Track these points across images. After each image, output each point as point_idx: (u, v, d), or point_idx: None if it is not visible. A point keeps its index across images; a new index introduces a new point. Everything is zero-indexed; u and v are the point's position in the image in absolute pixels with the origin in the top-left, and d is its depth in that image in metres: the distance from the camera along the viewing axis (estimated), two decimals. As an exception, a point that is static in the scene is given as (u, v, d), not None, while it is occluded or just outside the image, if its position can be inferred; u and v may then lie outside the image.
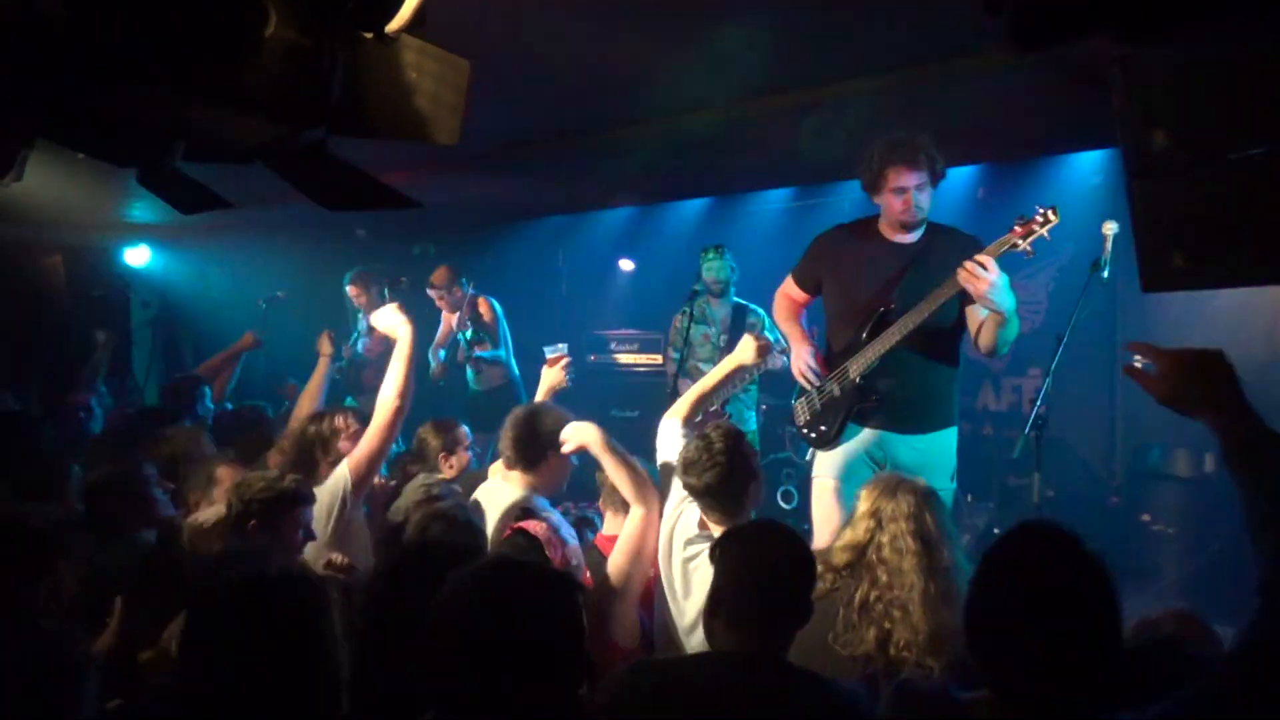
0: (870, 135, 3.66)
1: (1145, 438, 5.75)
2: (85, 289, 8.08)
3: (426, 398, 7.07)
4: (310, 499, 3.04)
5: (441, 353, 6.99)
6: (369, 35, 1.49)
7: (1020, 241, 3.33)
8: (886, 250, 3.70)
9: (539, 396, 4.03)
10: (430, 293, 6.92)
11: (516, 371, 6.92)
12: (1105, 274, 3.48)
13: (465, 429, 4.18)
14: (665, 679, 1.99)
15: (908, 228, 3.65)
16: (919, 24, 3.17)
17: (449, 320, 6.99)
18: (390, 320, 3.60)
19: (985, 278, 3.21)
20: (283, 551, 2.82)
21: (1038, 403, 3.57)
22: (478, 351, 6.55)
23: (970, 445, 6.24)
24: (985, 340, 3.50)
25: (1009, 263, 3.38)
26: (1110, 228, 3.43)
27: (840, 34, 3.30)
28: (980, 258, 3.25)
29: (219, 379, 5.82)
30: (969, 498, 5.84)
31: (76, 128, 1.99)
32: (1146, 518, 5.44)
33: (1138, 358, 1.79)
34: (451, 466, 4.00)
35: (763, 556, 2.07)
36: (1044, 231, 3.31)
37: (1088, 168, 6.06)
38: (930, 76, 3.64)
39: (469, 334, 6.58)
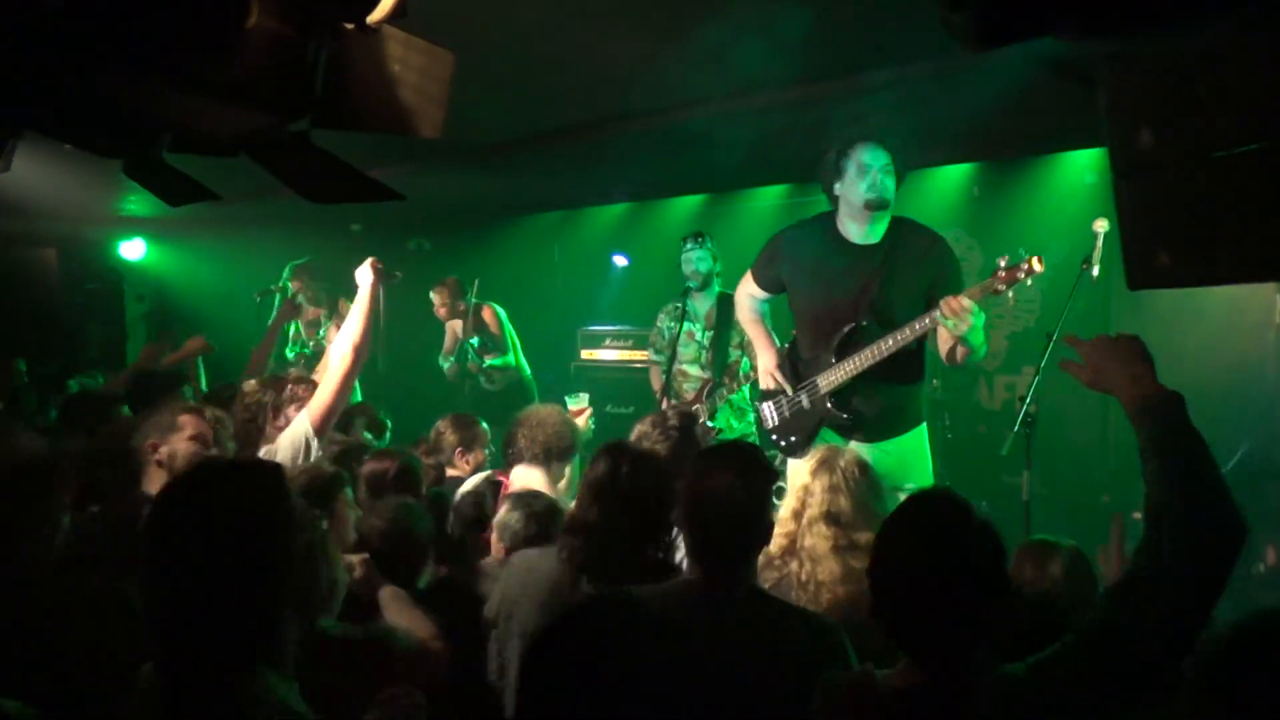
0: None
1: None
2: (79, 282, 8.06)
3: (441, 395, 7.13)
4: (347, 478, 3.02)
5: (451, 358, 7.02)
6: (351, 26, 1.49)
7: (1002, 287, 3.32)
8: (850, 254, 3.66)
9: None
10: (433, 296, 6.95)
11: (527, 370, 6.97)
12: (1096, 271, 3.48)
13: (485, 428, 4.17)
14: (634, 610, 1.99)
15: (871, 207, 3.57)
16: (911, 22, 3.17)
17: (454, 328, 7.01)
18: (361, 274, 3.55)
19: (967, 321, 3.25)
20: (340, 536, 2.75)
21: (1027, 400, 3.58)
22: (487, 361, 6.60)
23: (963, 443, 6.25)
24: (955, 359, 3.56)
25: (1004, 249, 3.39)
26: (1101, 225, 3.43)
27: (830, 33, 3.29)
28: (964, 300, 3.26)
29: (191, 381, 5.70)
30: (949, 484, 5.85)
31: (62, 118, 1.98)
32: (1138, 515, 5.43)
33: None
34: (468, 463, 4.00)
35: (719, 479, 2.10)
36: (1028, 280, 3.31)
37: (1081, 166, 6.05)
38: (923, 74, 3.64)
39: (475, 342, 6.62)
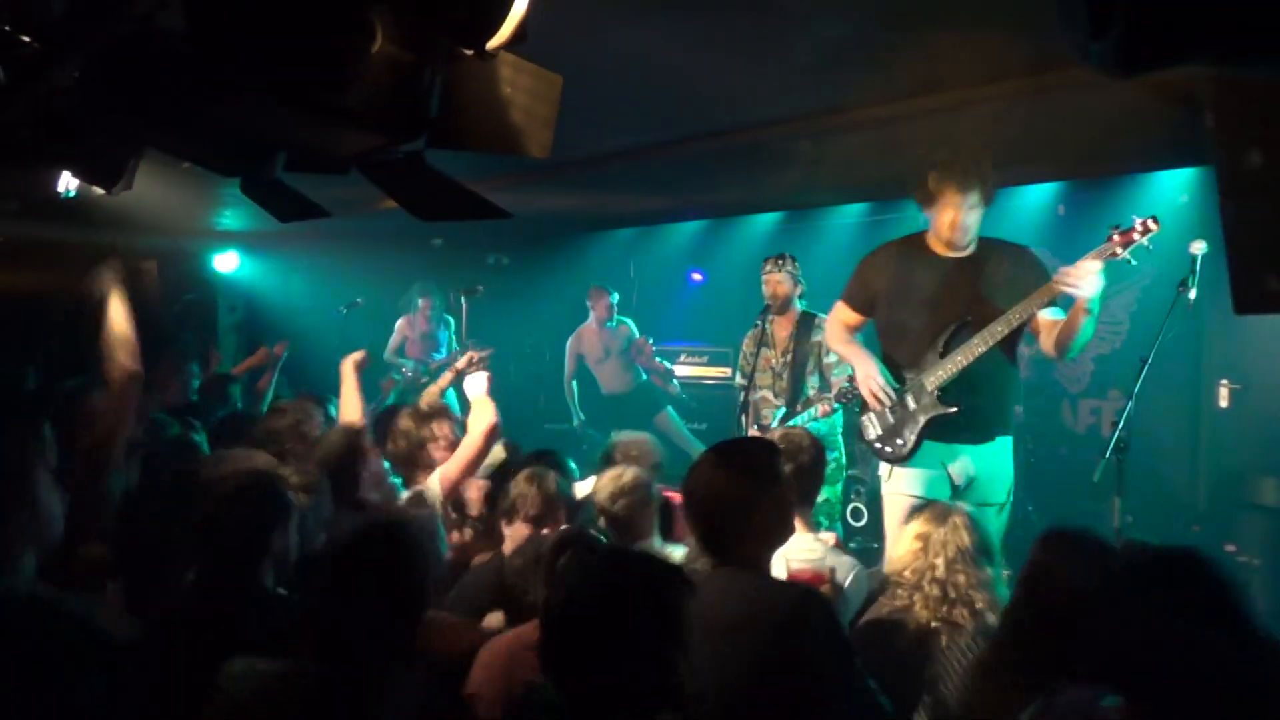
0: (949, 150, 3.65)
1: (1230, 464, 5.55)
2: (177, 292, 8.42)
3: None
4: None
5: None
6: (469, 52, 1.55)
7: (1120, 250, 3.35)
8: (944, 265, 3.77)
9: None
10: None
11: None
12: (1193, 295, 3.40)
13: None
14: None
15: (954, 246, 3.74)
16: (1004, 40, 3.14)
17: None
18: (475, 384, 3.94)
19: (1091, 281, 3.27)
20: None
21: (1119, 426, 3.50)
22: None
23: (1046, 466, 6.11)
24: (1062, 341, 3.52)
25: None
26: (1199, 247, 3.35)
27: (922, 50, 3.28)
28: (1088, 263, 3.31)
29: (260, 382, 6.07)
30: (1030, 508, 5.77)
31: (187, 139, 2.10)
32: (1231, 548, 5.24)
33: None
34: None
35: (704, 488, 2.25)
36: (1144, 240, 3.33)
37: (1173, 186, 5.89)
38: (1015, 93, 3.60)
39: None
